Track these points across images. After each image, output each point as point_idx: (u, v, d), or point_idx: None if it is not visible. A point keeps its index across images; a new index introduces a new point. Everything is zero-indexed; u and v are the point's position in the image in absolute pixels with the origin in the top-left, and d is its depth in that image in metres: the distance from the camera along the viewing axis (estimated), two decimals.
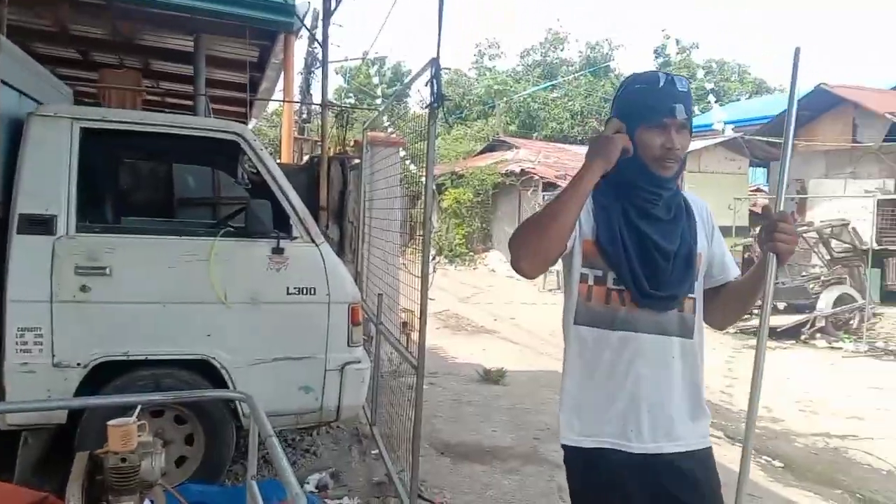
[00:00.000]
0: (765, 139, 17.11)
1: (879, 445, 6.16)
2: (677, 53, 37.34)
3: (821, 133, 16.90)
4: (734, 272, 2.04)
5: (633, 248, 1.87)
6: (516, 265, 1.84)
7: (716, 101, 22.56)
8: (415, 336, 5.08)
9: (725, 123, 19.16)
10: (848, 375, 9.10)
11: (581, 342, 1.92)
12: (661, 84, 1.86)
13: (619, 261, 1.86)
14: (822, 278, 12.45)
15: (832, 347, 10.99)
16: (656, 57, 38.55)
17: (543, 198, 22.35)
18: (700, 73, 32.78)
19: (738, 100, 32.89)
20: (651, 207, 1.89)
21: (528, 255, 1.81)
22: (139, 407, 2.91)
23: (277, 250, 3.88)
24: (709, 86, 26.45)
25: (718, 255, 2.02)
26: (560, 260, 1.91)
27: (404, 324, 6.84)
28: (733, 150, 18.07)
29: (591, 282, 1.90)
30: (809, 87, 16.46)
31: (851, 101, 16.76)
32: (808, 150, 16.81)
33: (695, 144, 17.66)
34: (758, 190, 20.47)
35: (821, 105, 16.70)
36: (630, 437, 1.87)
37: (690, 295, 1.93)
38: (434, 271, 4.76)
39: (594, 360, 1.90)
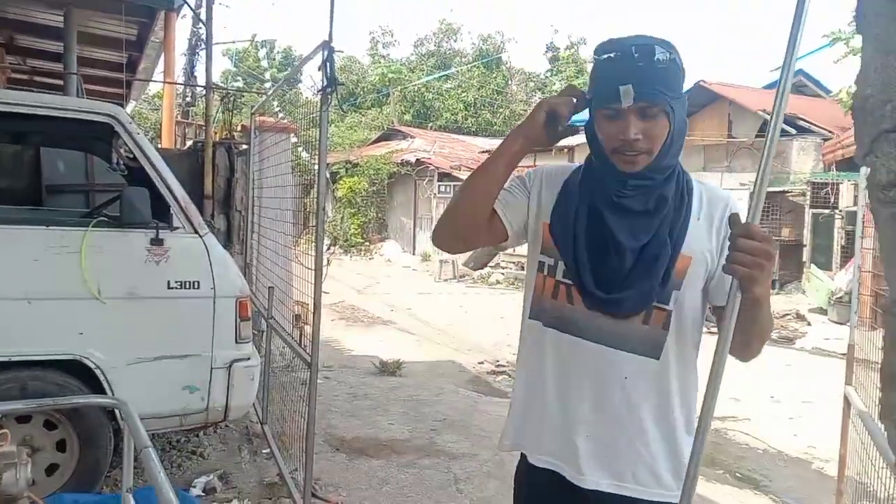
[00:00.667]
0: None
1: (755, 426, 6.52)
2: (566, 48, 38.38)
3: (699, 128, 17.80)
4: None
5: (584, 236, 1.58)
6: (433, 236, 1.75)
7: None
8: (308, 329, 4.92)
9: None
10: (730, 358, 9.60)
11: (531, 339, 1.69)
12: (615, 56, 1.49)
13: (567, 248, 1.59)
14: None
15: (708, 332, 11.58)
16: (546, 51, 39.48)
17: (439, 188, 22.45)
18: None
19: None
20: (619, 198, 1.56)
21: (443, 226, 1.71)
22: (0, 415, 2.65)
23: (156, 241, 3.62)
24: None
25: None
26: (527, 246, 1.74)
27: (297, 317, 6.63)
28: None
29: (546, 271, 1.65)
30: (688, 84, 17.30)
31: (727, 97, 17.75)
32: (687, 144, 17.66)
33: (582, 138, 18.24)
34: None
35: (699, 101, 17.60)
36: (567, 461, 1.61)
37: (662, 305, 1.56)
38: (328, 263, 4.62)
39: (539, 362, 1.66)
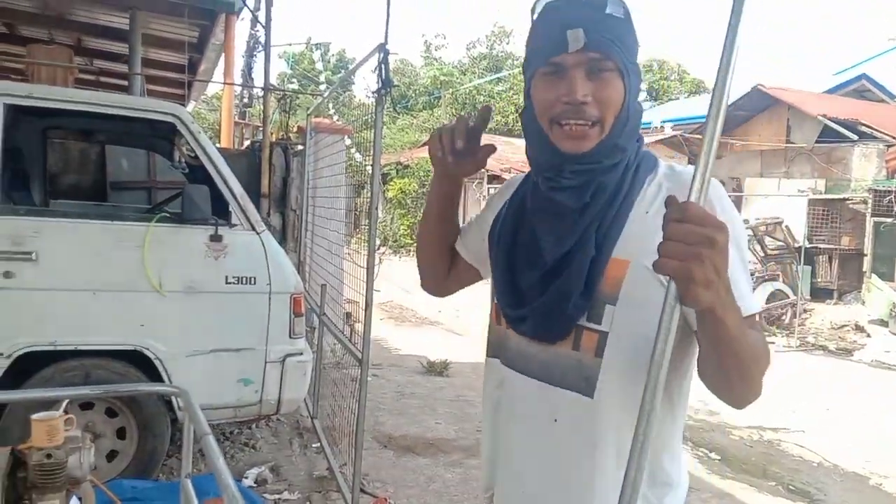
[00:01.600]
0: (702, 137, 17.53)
1: (809, 438, 6.36)
2: None
3: (756, 133, 17.41)
4: None
5: (505, 246, 1.32)
6: (421, 284, 1.67)
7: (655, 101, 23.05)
8: (359, 327, 4.99)
9: (664, 122, 19.59)
10: (780, 370, 9.39)
11: (485, 370, 1.42)
12: (558, 3, 1.19)
13: (494, 263, 1.36)
14: (756, 275, 12.82)
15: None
16: None
17: (488, 190, 22.45)
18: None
19: (678, 99, 33.63)
20: (552, 189, 1.23)
21: (420, 274, 1.65)
22: (67, 400, 2.76)
23: (216, 237, 3.73)
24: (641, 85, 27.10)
25: None
26: None
27: (348, 315, 6.73)
28: (673, 147, 18.47)
29: (491, 294, 1.40)
30: (746, 87, 16.95)
31: (786, 102, 17.32)
32: (743, 149, 17.30)
33: None
34: None
35: (756, 106, 17.23)
36: None
37: (592, 325, 1.18)
38: (380, 262, 4.68)
39: (485, 397, 1.40)
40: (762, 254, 13.30)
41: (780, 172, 16.87)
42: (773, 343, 11.17)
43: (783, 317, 12.27)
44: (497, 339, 1.35)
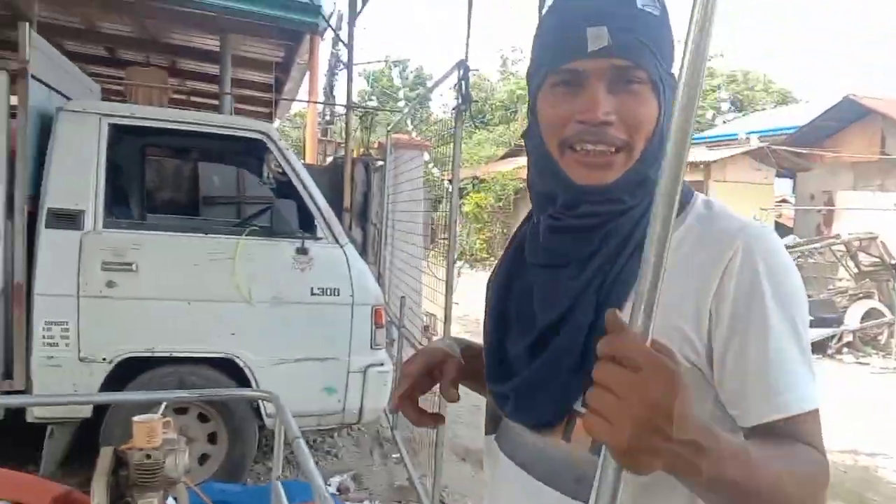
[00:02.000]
0: (791, 149, 16.93)
1: None
2: (715, 56, 37.08)
3: (848, 145, 16.69)
4: (756, 411, 0.84)
5: (496, 305, 1.06)
6: None
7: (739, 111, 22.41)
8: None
9: (749, 133, 19.02)
10: (876, 391, 8.94)
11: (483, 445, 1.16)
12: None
13: (483, 325, 1.09)
14: (850, 292, 12.25)
15: (860, 363, 10.81)
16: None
17: None
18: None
19: (764, 109, 32.59)
20: (553, 234, 0.96)
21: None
22: (164, 404, 2.91)
23: (302, 250, 3.86)
24: (724, 94, 26.30)
25: (731, 367, 0.85)
26: None
27: (426, 327, 6.81)
28: (759, 160, 17.90)
29: None
30: (837, 98, 16.32)
31: (880, 112, 16.56)
32: (835, 161, 16.62)
33: (719, 153, 17.54)
34: (783, 201, 20.28)
35: (848, 116, 16.52)
36: None
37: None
38: (459, 276, 4.72)
39: (485, 471, 1.17)
40: (855, 270, 12.74)
41: (875, 185, 16.11)
42: (867, 364, 10.66)
43: (879, 337, 11.69)
44: (493, 412, 1.09)
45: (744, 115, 30.81)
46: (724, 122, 30.44)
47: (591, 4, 0.90)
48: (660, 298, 0.67)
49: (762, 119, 25.86)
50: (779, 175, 18.99)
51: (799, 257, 12.07)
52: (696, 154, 18.29)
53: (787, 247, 14.03)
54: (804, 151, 16.34)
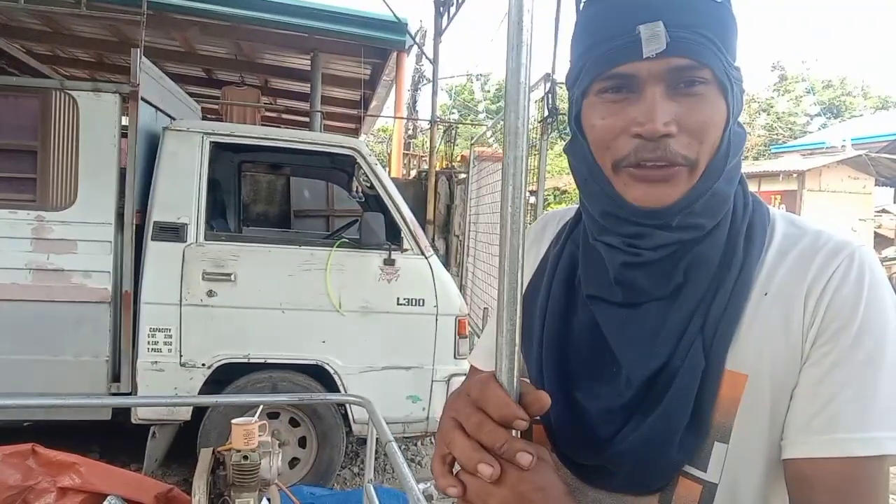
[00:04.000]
0: (891, 157, 16.10)
1: None
2: (800, 63, 35.77)
3: None
4: (808, 442, 0.72)
5: (553, 345, 0.86)
6: None
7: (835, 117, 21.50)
8: None
9: (854, 141, 18.20)
10: None
11: None
12: None
13: (534, 366, 0.88)
14: None
15: None
16: (773, 69, 37.08)
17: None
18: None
19: (861, 115, 31.10)
20: (626, 270, 0.80)
21: None
22: (261, 407, 3.06)
23: (389, 261, 3.97)
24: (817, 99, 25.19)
25: (806, 396, 0.73)
26: None
27: None
28: (857, 168, 17.10)
29: None
30: None
31: None
32: None
33: (814, 162, 16.84)
34: (884, 211, 19.27)
35: None
36: None
37: (694, 472, 0.77)
38: None
39: None
40: None
41: None
42: None
43: None
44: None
45: (840, 122, 29.51)
46: (821, 129, 29.22)
47: (639, 2, 0.74)
48: (745, 331, 0.72)
49: (860, 125, 24.70)
50: (878, 184, 18.09)
51: None
52: (790, 162, 17.63)
53: (889, 259, 13.27)
54: None
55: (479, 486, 0.63)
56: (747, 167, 19.18)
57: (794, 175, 16.30)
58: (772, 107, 34.71)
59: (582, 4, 0.81)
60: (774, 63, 37.19)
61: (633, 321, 0.79)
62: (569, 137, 0.86)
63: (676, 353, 0.76)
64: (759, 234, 0.80)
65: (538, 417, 0.80)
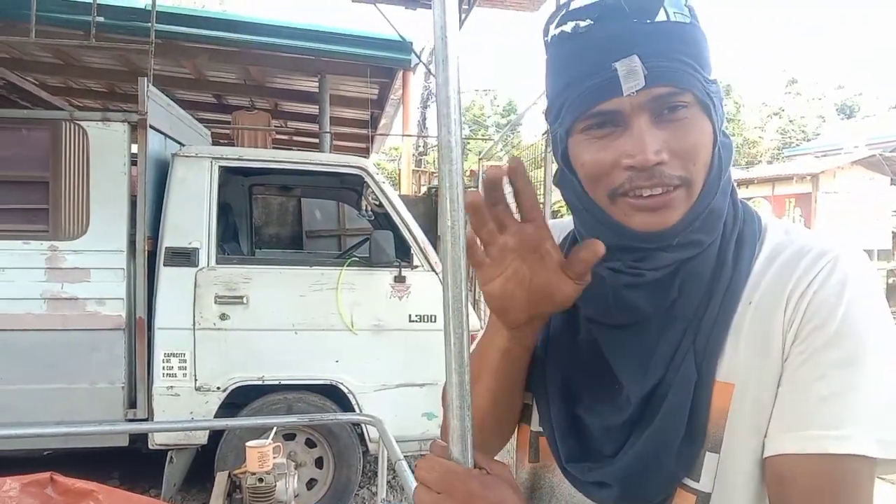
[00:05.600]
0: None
1: None
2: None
3: None
4: (780, 438, 0.73)
5: (556, 364, 0.89)
6: None
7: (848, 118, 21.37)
8: None
9: (869, 142, 18.06)
10: None
11: None
12: (589, 24, 0.77)
13: (538, 384, 0.90)
14: None
15: None
16: (784, 71, 36.96)
17: None
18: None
19: (874, 116, 30.88)
20: (624, 292, 0.80)
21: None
22: (274, 429, 3.06)
23: (399, 279, 3.98)
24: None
25: (782, 393, 0.74)
26: None
27: None
28: (871, 168, 16.94)
29: (521, 416, 0.97)
30: None
31: None
32: None
33: (826, 163, 16.72)
34: None
35: None
36: None
37: (690, 484, 0.78)
38: None
39: None
40: None
41: None
42: None
43: None
44: (532, 478, 0.93)
45: (851, 121, 29.31)
46: (841, 130, 29.03)
47: (610, 28, 0.75)
48: (743, 334, 0.75)
49: (873, 125, 24.51)
50: (894, 183, 17.90)
51: None
52: (803, 165, 17.51)
53: None
54: None
55: (433, 500, 0.68)
56: (760, 171, 19.04)
57: (808, 177, 16.18)
58: (783, 110, 34.58)
59: (550, 37, 0.80)
60: (784, 69, 36.99)
61: (631, 341, 0.81)
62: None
63: (671, 368, 0.78)
64: (748, 244, 0.80)
65: (543, 430, 0.89)
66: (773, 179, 16.72)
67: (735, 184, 0.86)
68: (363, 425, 3.93)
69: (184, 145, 4.25)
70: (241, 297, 3.83)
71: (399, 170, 11.98)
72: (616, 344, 0.82)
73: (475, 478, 0.68)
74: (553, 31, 0.80)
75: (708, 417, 0.76)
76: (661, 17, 0.74)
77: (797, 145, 27.90)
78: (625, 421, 0.80)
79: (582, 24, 0.76)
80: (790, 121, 33.38)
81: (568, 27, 0.77)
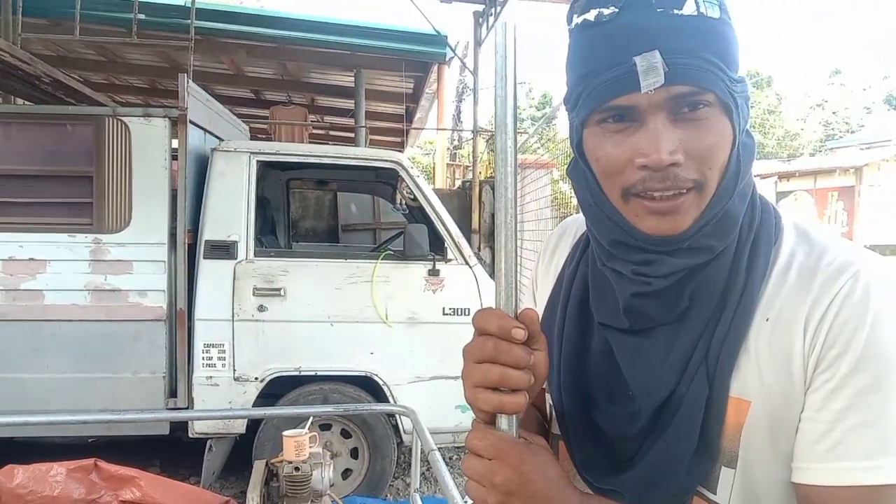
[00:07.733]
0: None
1: None
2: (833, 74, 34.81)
3: None
4: (812, 469, 0.72)
5: (570, 377, 0.88)
6: None
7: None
8: None
9: None
10: None
11: None
12: (613, 12, 0.72)
13: (552, 391, 0.92)
14: None
15: None
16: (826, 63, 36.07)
17: None
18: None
19: None
20: (635, 300, 0.79)
21: None
22: (311, 419, 3.11)
23: (433, 272, 4.00)
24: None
25: (808, 422, 0.72)
26: None
27: None
28: None
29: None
30: None
31: None
32: None
33: (871, 156, 16.30)
34: None
35: None
36: None
37: (706, 493, 0.78)
38: None
39: None
40: None
41: None
42: None
43: None
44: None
45: None
46: (888, 121, 28.28)
47: (635, 20, 0.71)
48: (758, 352, 0.73)
49: None
50: None
51: None
52: (847, 157, 17.11)
53: None
54: None
55: (486, 466, 0.70)
56: (802, 163, 18.64)
57: (851, 170, 15.81)
58: (826, 101, 33.79)
59: (573, 24, 0.77)
60: (822, 60, 36.09)
61: (642, 349, 0.80)
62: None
63: (682, 381, 0.77)
64: (763, 251, 0.78)
65: (560, 434, 0.90)
66: (816, 172, 16.37)
67: (756, 185, 0.83)
68: (398, 417, 3.98)
69: (223, 140, 4.32)
70: (279, 290, 3.89)
71: (433, 164, 12.00)
72: (628, 351, 0.81)
73: (523, 445, 0.72)
74: (576, 19, 0.76)
75: (722, 433, 0.76)
76: (689, 8, 0.70)
77: (840, 137, 27.23)
78: (638, 429, 0.80)
79: (606, 11, 0.72)
80: (833, 112, 32.61)
81: (591, 15, 0.74)
